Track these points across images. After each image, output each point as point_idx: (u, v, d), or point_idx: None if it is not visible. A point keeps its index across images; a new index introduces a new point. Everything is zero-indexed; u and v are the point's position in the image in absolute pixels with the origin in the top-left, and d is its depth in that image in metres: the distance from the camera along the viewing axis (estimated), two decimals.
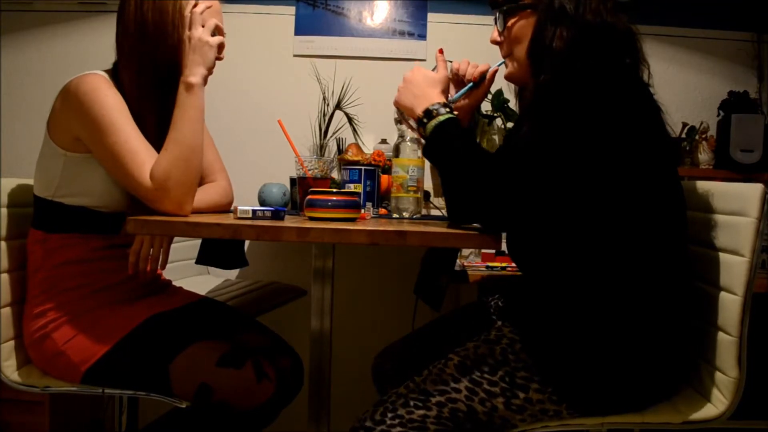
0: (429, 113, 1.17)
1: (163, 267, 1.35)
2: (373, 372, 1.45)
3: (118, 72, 1.30)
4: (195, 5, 1.31)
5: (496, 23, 1.25)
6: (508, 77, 1.28)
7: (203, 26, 1.30)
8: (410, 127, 1.32)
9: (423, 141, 1.20)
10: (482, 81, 1.33)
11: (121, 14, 1.30)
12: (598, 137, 1.02)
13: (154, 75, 1.29)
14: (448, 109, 1.17)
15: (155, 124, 1.30)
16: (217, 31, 1.33)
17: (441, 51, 1.31)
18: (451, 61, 1.33)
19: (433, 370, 1.12)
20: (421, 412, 1.07)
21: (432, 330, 1.43)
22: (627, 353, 1.07)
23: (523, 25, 1.20)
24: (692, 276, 1.19)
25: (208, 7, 1.33)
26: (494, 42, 1.27)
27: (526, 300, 1.20)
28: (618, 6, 1.16)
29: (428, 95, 1.20)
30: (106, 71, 1.31)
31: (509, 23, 1.22)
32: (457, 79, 1.34)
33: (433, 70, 1.27)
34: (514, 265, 1.78)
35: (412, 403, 1.08)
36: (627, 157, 1.04)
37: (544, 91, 1.09)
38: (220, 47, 1.32)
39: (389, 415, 1.08)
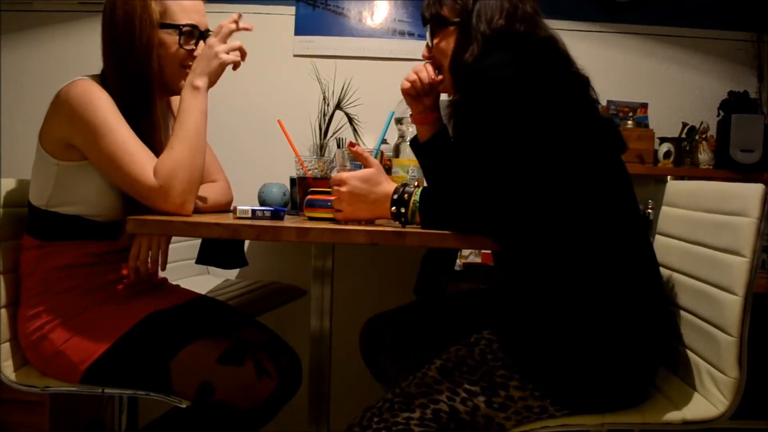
0: (401, 202, 1.14)
1: (163, 268, 1.36)
2: (362, 339, 1.47)
3: (105, 80, 1.31)
4: (236, 19, 1.34)
5: (427, 37, 1.29)
6: (443, 90, 1.33)
7: (223, 42, 1.31)
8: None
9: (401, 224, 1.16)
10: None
11: (102, 25, 1.31)
12: (525, 133, 1.06)
13: (130, 78, 1.28)
14: (410, 186, 1.15)
15: (138, 127, 1.29)
16: (240, 51, 1.34)
17: (352, 144, 1.24)
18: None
19: (417, 375, 1.14)
20: (405, 414, 1.09)
21: (427, 306, 1.44)
22: (602, 344, 1.07)
23: (446, 42, 1.24)
24: (656, 262, 1.20)
25: (247, 29, 1.35)
26: (425, 57, 1.31)
27: (501, 300, 1.21)
28: (537, 16, 1.20)
29: (382, 192, 1.16)
30: (95, 76, 1.31)
31: (436, 39, 1.26)
32: (415, 92, 1.37)
33: (353, 166, 1.24)
34: None
35: (396, 406, 1.10)
36: (562, 144, 1.08)
37: (458, 107, 1.16)
38: (235, 66, 1.34)
39: (375, 419, 1.10)
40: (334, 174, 1.19)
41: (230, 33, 1.31)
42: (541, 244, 1.10)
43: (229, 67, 1.33)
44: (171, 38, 1.31)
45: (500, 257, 1.29)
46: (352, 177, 1.15)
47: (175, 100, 1.51)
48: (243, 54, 1.35)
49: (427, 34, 1.28)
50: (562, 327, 1.08)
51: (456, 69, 1.22)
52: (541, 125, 1.06)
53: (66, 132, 1.25)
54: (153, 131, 1.30)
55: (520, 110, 1.06)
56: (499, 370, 1.09)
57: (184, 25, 1.31)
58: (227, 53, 1.31)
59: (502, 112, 1.06)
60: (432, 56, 1.30)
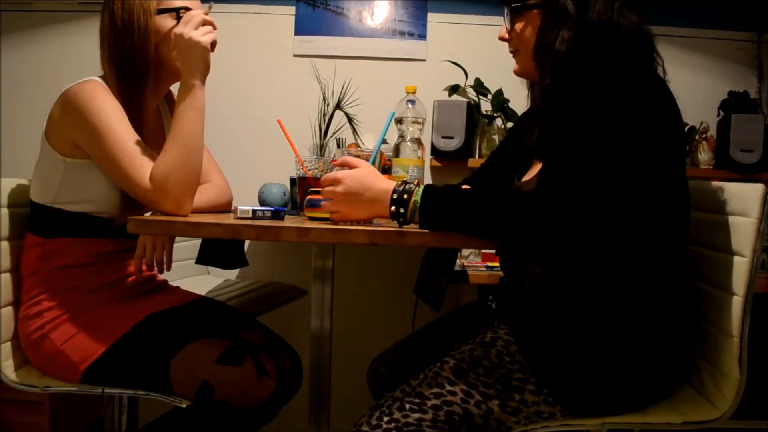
0: (401, 201, 1.08)
1: (168, 268, 1.36)
2: (369, 378, 1.44)
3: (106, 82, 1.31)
4: (207, 11, 1.32)
5: (504, 20, 1.25)
6: (518, 73, 1.27)
7: (195, 27, 1.26)
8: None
9: (400, 224, 1.11)
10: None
11: (102, 20, 1.33)
12: (624, 138, 1.01)
13: (128, 67, 1.30)
14: (410, 185, 1.09)
15: (144, 125, 1.31)
16: (211, 26, 1.29)
17: (335, 162, 1.18)
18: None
19: (428, 374, 1.11)
20: (417, 415, 1.07)
21: (428, 333, 1.42)
22: (623, 354, 1.07)
23: (529, 24, 1.19)
24: (690, 275, 1.18)
25: (212, 24, 1.30)
26: (502, 39, 1.26)
27: (521, 301, 1.20)
28: (629, 5, 1.14)
29: (379, 190, 1.10)
30: (102, 77, 1.32)
31: (516, 22, 1.21)
32: None
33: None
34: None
35: (407, 406, 1.08)
36: (650, 155, 1.02)
37: (556, 99, 1.09)
38: (213, 45, 1.30)
39: (385, 419, 1.07)
40: (327, 174, 1.17)
41: (202, 22, 1.27)
42: (582, 252, 1.04)
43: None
44: (168, 22, 1.33)
45: (511, 260, 1.28)
46: (347, 176, 1.12)
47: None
48: (210, 23, 1.30)
49: (506, 17, 1.23)
50: (588, 336, 1.07)
51: (543, 56, 1.15)
52: (646, 136, 1.02)
53: (72, 132, 1.26)
54: (142, 120, 1.31)
55: (630, 115, 1.01)
56: (516, 373, 1.08)
57: (180, 9, 1.33)
58: (202, 35, 1.26)
59: (612, 114, 1.01)
60: (510, 39, 1.25)
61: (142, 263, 1.34)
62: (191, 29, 1.26)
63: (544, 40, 1.15)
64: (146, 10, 1.31)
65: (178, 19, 1.33)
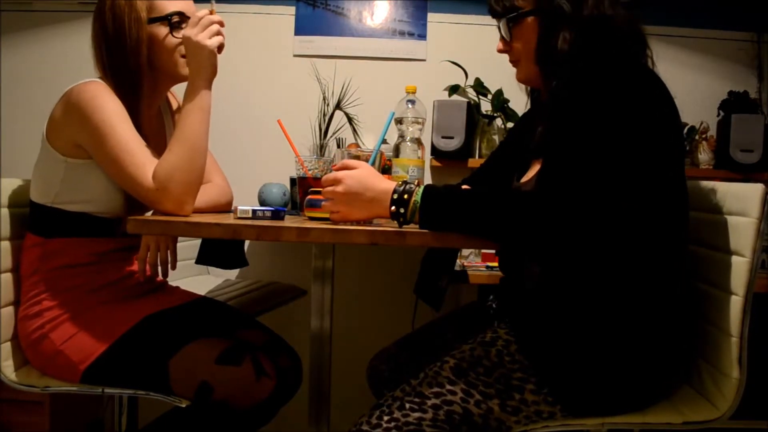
0: (402, 201, 1.08)
1: (174, 267, 1.36)
2: (368, 375, 1.44)
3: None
4: (211, 9, 1.30)
5: (500, 31, 1.24)
6: (521, 80, 1.27)
7: (203, 30, 1.26)
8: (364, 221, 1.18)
9: (401, 225, 1.11)
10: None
11: (93, 30, 1.32)
12: (624, 138, 1.01)
13: (122, 76, 1.29)
14: (409, 184, 1.10)
15: (144, 128, 1.31)
16: (219, 25, 1.29)
17: (334, 166, 1.18)
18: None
19: (429, 373, 1.11)
20: (417, 414, 1.07)
21: (428, 332, 1.42)
22: (623, 354, 1.07)
23: (527, 32, 1.19)
24: (690, 275, 1.18)
25: (220, 22, 1.29)
26: (501, 51, 1.26)
27: (521, 300, 1.20)
28: (617, 1, 1.15)
29: (379, 190, 1.10)
30: (101, 78, 1.32)
31: (514, 31, 1.21)
32: None
33: None
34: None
35: (407, 405, 1.08)
36: (650, 155, 1.03)
37: (558, 100, 1.10)
38: (220, 47, 1.30)
39: (385, 418, 1.08)
40: (327, 174, 1.17)
41: (210, 23, 1.27)
42: (582, 252, 1.04)
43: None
44: (161, 30, 1.32)
45: (511, 260, 1.28)
46: (348, 176, 1.12)
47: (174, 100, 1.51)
48: (222, 26, 1.30)
49: (502, 28, 1.22)
50: (588, 335, 1.07)
51: (546, 59, 1.16)
52: (645, 136, 1.02)
53: (74, 132, 1.26)
54: (141, 122, 1.31)
55: (629, 115, 1.02)
56: (516, 372, 1.08)
57: (171, 15, 1.32)
58: (209, 38, 1.26)
59: (611, 114, 1.02)
60: (509, 50, 1.24)
61: (146, 265, 1.34)
62: (198, 32, 1.26)
63: (546, 43, 1.15)
64: (137, 19, 1.29)
65: (171, 25, 1.32)
